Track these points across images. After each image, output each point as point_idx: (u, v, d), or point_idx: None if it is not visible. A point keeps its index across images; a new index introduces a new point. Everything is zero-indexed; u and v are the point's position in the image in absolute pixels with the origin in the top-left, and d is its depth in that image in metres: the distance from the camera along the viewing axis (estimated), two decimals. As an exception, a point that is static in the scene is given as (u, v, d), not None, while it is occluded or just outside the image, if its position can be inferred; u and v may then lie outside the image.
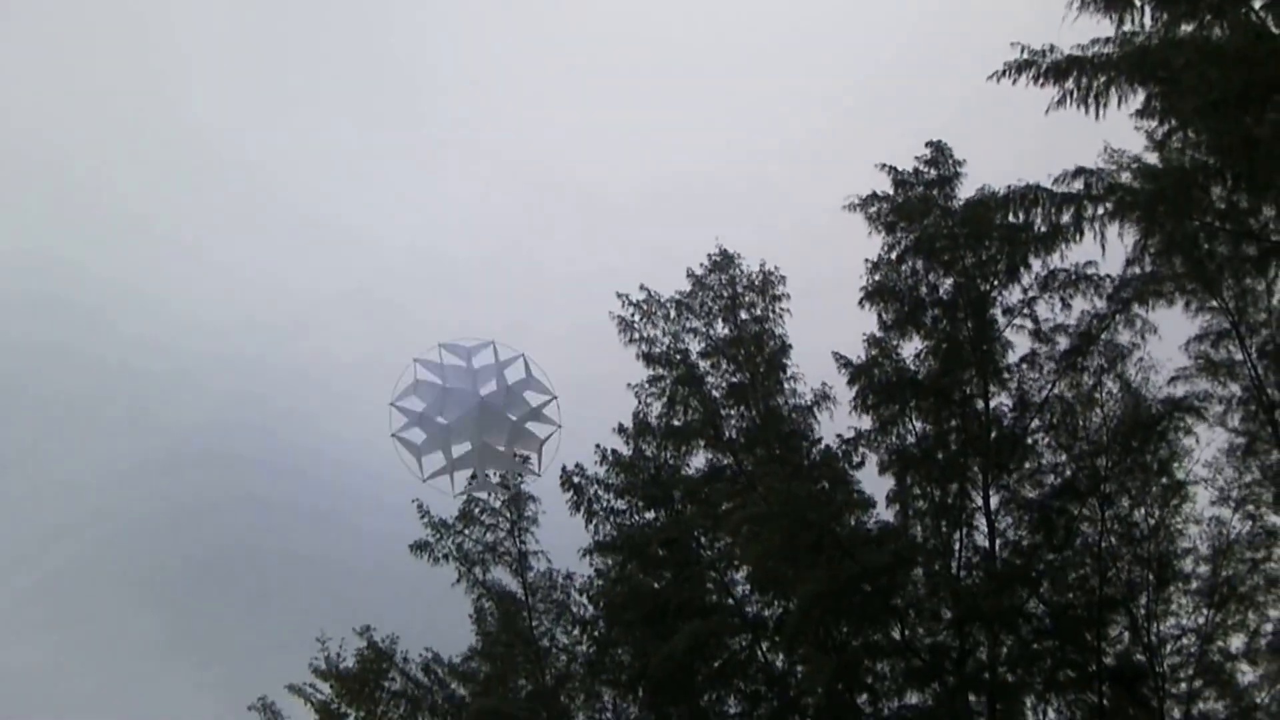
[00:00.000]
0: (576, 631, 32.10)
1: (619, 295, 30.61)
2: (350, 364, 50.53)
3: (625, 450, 31.23)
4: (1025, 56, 23.06)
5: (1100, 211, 24.85)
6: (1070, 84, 22.90)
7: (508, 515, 32.34)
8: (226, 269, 55.42)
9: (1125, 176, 24.71)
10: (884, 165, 28.14)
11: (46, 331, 51.97)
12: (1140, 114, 23.39)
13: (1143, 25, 22.35)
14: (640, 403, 30.58)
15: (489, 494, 32.32)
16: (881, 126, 50.87)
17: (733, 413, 30.26)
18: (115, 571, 49.79)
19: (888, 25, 56.04)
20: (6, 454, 47.65)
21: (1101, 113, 22.94)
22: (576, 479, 31.29)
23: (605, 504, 31.17)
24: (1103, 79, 22.76)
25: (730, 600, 29.75)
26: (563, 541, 32.30)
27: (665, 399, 30.37)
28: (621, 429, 31.17)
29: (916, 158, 28.10)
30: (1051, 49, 22.97)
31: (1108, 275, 26.61)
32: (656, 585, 30.27)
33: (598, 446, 31.33)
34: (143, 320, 53.30)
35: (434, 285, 55.37)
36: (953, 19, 51.49)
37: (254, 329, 53.72)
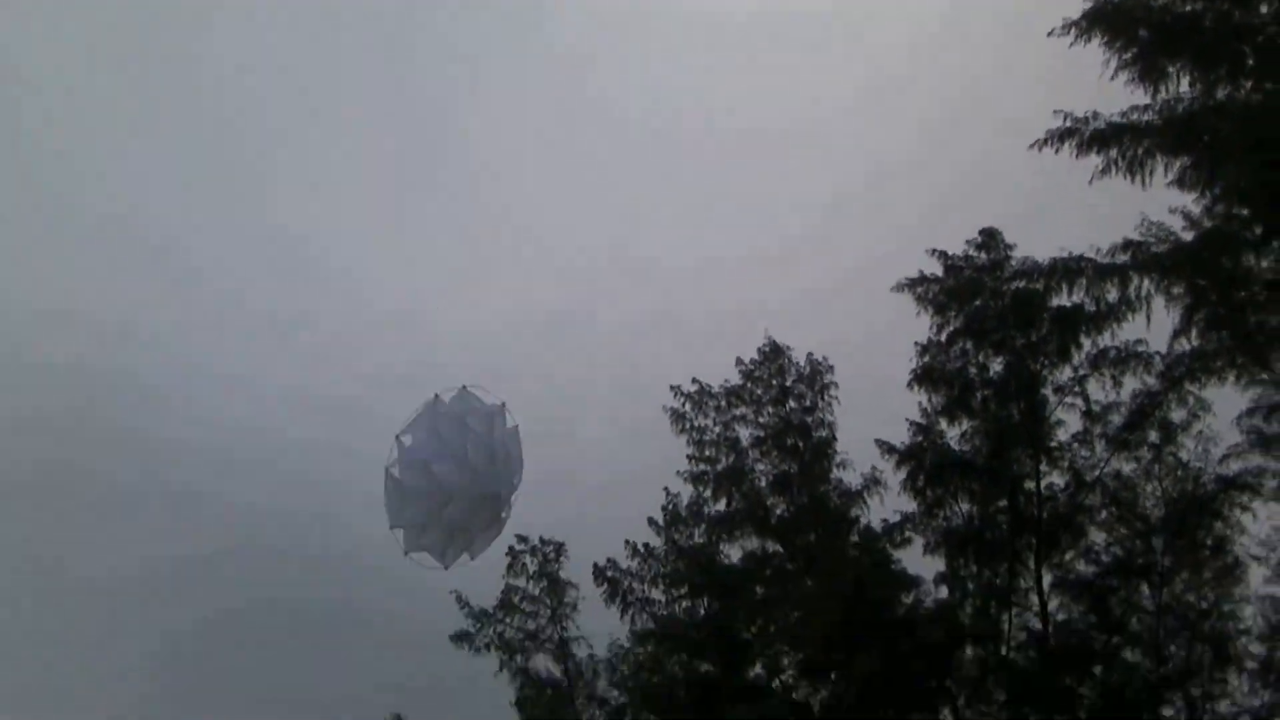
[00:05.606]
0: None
1: (671, 388, 31.04)
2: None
3: (656, 542, 31.32)
4: (1068, 124, 23.16)
5: (1146, 284, 25.04)
6: (1114, 152, 23.05)
7: (547, 602, 32.32)
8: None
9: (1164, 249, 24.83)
10: (934, 250, 28.66)
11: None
12: (1178, 184, 23.54)
13: (1178, 93, 22.82)
14: (668, 495, 30.75)
15: None
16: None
17: (779, 500, 30.32)
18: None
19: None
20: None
21: (1148, 181, 23.21)
22: (610, 573, 31.32)
23: (640, 594, 31.18)
24: (1144, 146, 23.05)
25: (778, 685, 29.34)
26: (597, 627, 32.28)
27: (711, 488, 30.50)
28: (652, 521, 31.25)
29: (967, 242, 28.60)
30: (1095, 116, 23.12)
31: (1157, 352, 26.69)
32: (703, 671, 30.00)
33: (628, 541, 31.36)
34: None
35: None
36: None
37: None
